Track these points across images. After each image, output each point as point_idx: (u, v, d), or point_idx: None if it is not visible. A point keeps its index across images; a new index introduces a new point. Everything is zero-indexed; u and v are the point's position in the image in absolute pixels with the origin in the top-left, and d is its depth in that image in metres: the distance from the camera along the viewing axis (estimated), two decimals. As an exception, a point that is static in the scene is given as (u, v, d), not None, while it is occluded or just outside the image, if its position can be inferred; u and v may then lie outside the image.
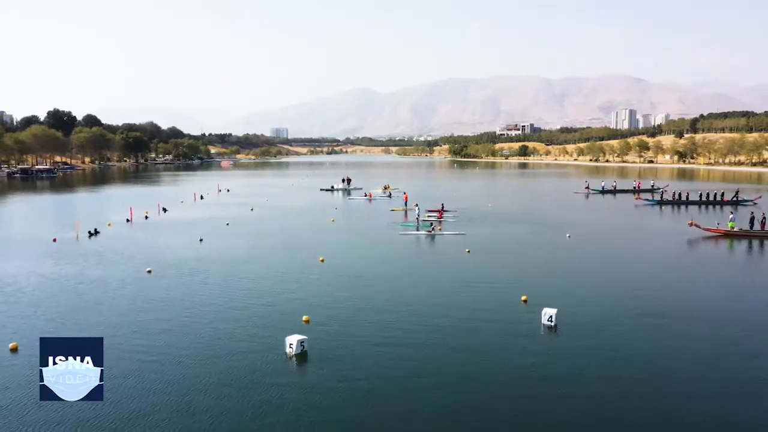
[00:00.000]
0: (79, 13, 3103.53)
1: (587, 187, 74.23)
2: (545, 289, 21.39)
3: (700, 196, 58.49)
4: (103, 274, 24.49)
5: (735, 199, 57.19)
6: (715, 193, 58.40)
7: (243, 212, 49.86)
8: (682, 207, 55.00)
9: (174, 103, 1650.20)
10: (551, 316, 16.90)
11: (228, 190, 76.67)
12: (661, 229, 40.05)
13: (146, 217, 44.48)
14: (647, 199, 59.92)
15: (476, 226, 40.44)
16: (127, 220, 42.36)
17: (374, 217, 46.21)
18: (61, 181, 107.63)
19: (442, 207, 47.38)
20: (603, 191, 73.66)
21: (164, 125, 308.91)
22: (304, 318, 17.54)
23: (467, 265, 26.41)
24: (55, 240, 33.15)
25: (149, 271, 24.57)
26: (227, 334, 16.36)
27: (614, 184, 78.35)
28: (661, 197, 59.66)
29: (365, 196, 66.75)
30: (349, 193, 72.39)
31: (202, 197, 63.92)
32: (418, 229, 38.04)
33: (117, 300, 20.35)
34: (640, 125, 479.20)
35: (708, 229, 36.58)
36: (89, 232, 35.57)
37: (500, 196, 70.38)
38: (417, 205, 44.26)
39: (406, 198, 54.67)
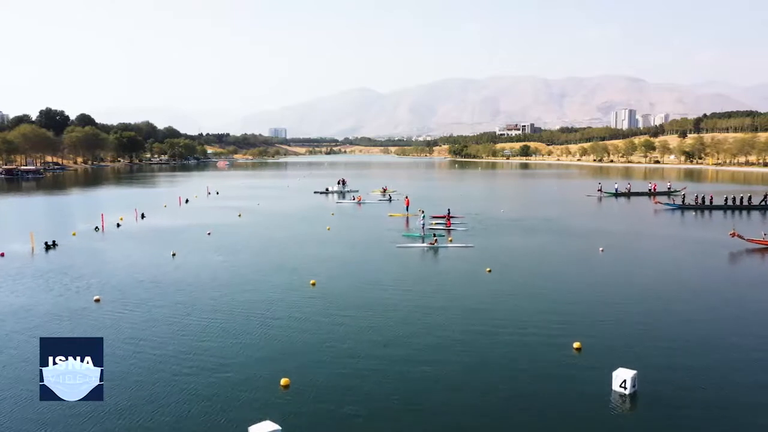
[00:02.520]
0: (79, 14, 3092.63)
1: (600, 190, 69.81)
2: (598, 330, 16.69)
3: (726, 200, 53.94)
4: (31, 302, 19.76)
5: (764, 203, 52.63)
6: (742, 197, 53.75)
7: (230, 218, 45.22)
8: (706, 212, 50.61)
9: (174, 104, 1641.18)
10: (626, 381, 12.15)
11: (218, 193, 71.98)
12: (697, 239, 35.35)
13: (118, 225, 39.74)
14: (668, 204, 55.39)
15: (490, 236, 35.85)
16: (96, 229, 37.71)
17: (372, 225, 41.61)
18: (47, 183, 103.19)
19: (449, 213, 42.77)
20: (617, 194, 69.28)
21: (163, 125, 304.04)
22: (283, 381, 12.92)
23: (491, 292, 21.50)
24: (2, 254, 28.48)
25: (97, 300, 19.92)
26: (165, 417, 11.49)
27: (628, 186, 73.84)
28: (683, 201, 55.11)
29: (353, 199, 62.36)
30: (343, 196, 68.04)
31: (187, 201, 59.23)
32: (423, 240, 33.32)
33: (26, 345, 15.39)
34: (640, 125, 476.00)
35: (754, 241, 32.11)
36: (46, 243, 30.91)
37: (509, 200, 65.88)
38: (422, 211, 39.34)
39: (408, 202, 49.94)
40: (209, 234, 36.04)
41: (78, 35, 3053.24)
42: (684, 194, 59.47)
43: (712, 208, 52.92)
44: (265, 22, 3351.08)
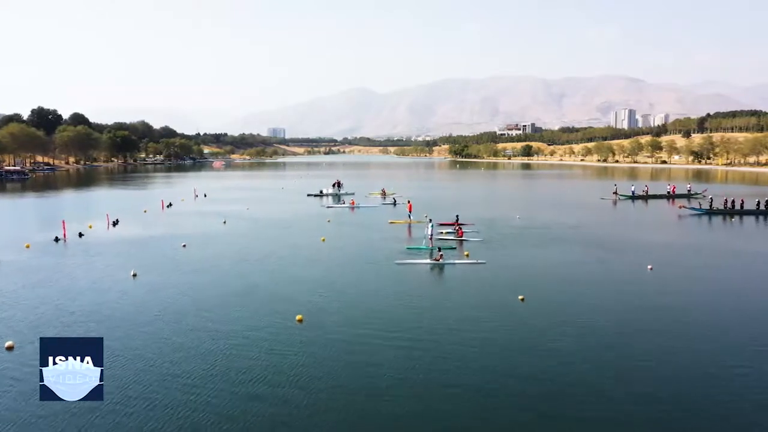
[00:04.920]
0: (79, 14, 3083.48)
1: (615, 192, 65.08)
2: (710, 406, 11.62)
3: (758, 204, 49.17)
4: None
5: (804, 208, 47.88)
6: (776, 201, 49.03)
7: (213, 226, 40.36)
8: (736, 218, 45.91)
9: (173, 104, 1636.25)
10: None
11: (205, 195, 66.81)
12: (750, 253, 30.04)
13: (80, 235, 34.64)
14: (693, 208, 50.63)
15: (508, 248, 30.92)
16: (57, 239, 32.80)
17: (372, 234, 36.54)
18: (33, 184, 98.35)
19: (457, 219, 37.96)
20: (633, 197, 64.46)
21: (162, 126, 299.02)
22: None
23: (532, 336, 16.14)
24: (-74, 276, 23.69)
25: (9, 348, 15.07)
26: None
27: (645, 188, 68.98)
28: (710, 206, 50.30)
29: (343, 203, 57.76)
30: (338, 199, 63.31)
31: (170, 205, 54.17)
32: (431, 254, 28.37)
33: None
34: (640, 125, 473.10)
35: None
36: (-13, 261, 26.08)
37: (520, 203, 61.02)
38: (430, 219, 34.39)
39: (410, 208, 44.95)
40: (184, 246, 31.12)
41: (78, 35, 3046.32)
42: (711, 198, 54.61)
43: (743, 213, 48.29)
44: (265, 22, 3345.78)
